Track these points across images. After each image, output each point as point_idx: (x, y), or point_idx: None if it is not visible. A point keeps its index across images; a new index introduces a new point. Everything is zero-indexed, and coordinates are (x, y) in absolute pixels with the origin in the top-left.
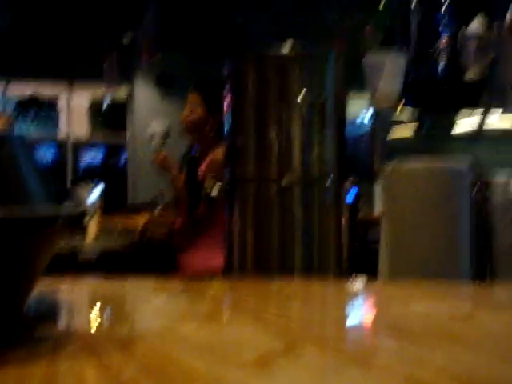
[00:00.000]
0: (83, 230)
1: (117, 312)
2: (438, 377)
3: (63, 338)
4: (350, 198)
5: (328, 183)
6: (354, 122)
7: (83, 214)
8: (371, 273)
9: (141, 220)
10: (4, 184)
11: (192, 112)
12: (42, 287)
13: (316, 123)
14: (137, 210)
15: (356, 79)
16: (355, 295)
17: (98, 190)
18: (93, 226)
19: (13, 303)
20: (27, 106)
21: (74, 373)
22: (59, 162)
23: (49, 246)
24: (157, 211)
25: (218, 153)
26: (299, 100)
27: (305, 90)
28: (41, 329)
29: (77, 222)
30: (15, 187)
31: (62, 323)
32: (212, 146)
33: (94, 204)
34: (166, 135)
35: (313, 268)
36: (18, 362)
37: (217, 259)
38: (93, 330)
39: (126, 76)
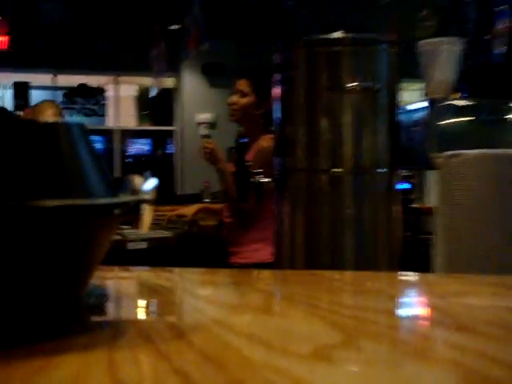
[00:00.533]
0: (139, 219)
1: (168, 302)
2: (503, 370)
3: (120, 326)
4: (402, 188)
5: (380, 173)
6: (407, 111)
7: (140, 203)
8: (424, 265)
9: (190, 211)
10: (64, 173)
11: (241, 98)
12: (95, 277)
13: (368, 112)
14: (185, 201)
15: (410, 67)
16: (410, 287)
17: (153, 180)
18: (148, 216)
19: (72, 291)
20: (75, 96)
21: (135, 360)
22: (107, 152)
23: (106, 235)
24: (205, 203)
25: (266, 141)
26: (351, 88)
27: (357, 77)
28: (98, 317)
29: (134, 211)
30: (75, 176)
31: (116, 312)
32: (260, 134)
33: (149, 193)
34: (213, 125)
35: (364, 259)
36: (80, 348)
37: (266, 251)
38: (147, 319)
39: (173, 65)
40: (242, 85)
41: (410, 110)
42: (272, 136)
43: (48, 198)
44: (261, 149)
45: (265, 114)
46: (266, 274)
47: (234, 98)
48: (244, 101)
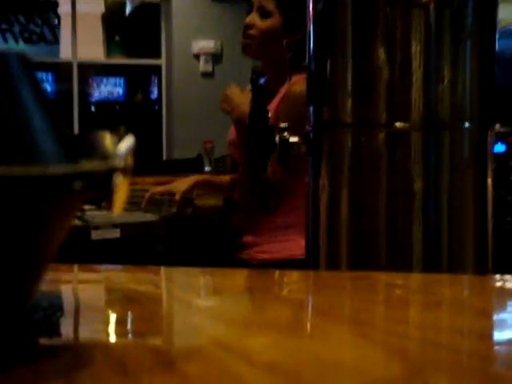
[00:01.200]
0: (110, 195)
1: (150, 317)
2: None
3: (80, 352)
4: (497, 152)
5: (464, 128)
6: (509, 34)
7: (111, 173)
8: None
9: (180, 186)
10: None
11: (261, 19)
12: (49, 278)
13: (448, 37)
14: (176, 169)
15: None
16: (506, 297)
17: (129, 139)
18: (122, 192)
19: (15, 297)
20: (14, 13)
21: None
22: (61, 96)
23: (63, 219)
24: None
25: (298, 84)
26: (422, 1)
27: None
28: (48, 339)
29: (102, 185)
30: (14, 133)
31: (75, 332)
32: (287, 73)
33: (124, 158)
34: (217, 57)
35: (439, 256)
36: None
37: (295, 243)
38: (120, 342)
39: None
40: None
41: None
42: (305, 76)
43: None
44: (290, 94)
45: (294, 44)
46: (294, 276)
47: (253, 18)
48: (266, 23)
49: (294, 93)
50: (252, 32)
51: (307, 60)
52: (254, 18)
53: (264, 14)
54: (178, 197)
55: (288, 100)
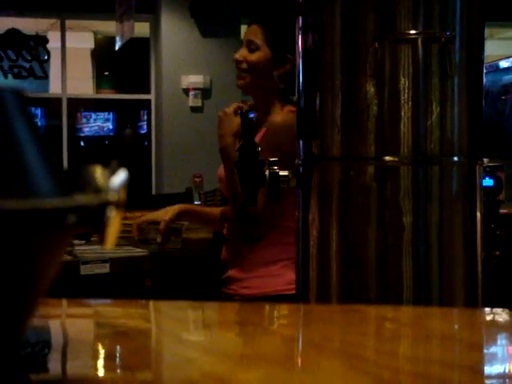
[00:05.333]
0: (103, 229)
1: (141, 352)
2: None
3: None
4: (486, 186)
5: (453, 162)
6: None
7: (105, 207)
8: None
9: (165, 214)
10: None
11: (250, 53)
12: (37, 313)
13: (437, 71)
14: (165, 203)
15: (500, 5)
16: (498, 331)
17: (121, 173)
18: (115, 225)
19: (6, 332)
20: (3, 48)
21: None
22: (50, 131)
23: (55, 253)
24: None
25: (281, 115)
26: (410, 37)
27: (419, 21)
28: (35, 375)
29: (96, 218)
30: (10, 162)
31: (63, 368)
32: (278, 106)
33: (117, 192)
34: (206, 92)
35: (429, 289)
36: None
37: (284, 278)
38: (110, 375)
39: (147, 3)
40: (252, 33)
41: (501, 69)
42: (292, 109)
43: None
44: (272, 126)
45: (286, 75)
46: (284, 309)
47: (241, 54)
48: (255, 56)
49: (278, 124)
50: (243, 66)
51: (296, 95)
52: (242, 52)
53: (253, 48)
54: (162, 226)
55: (268, 130)
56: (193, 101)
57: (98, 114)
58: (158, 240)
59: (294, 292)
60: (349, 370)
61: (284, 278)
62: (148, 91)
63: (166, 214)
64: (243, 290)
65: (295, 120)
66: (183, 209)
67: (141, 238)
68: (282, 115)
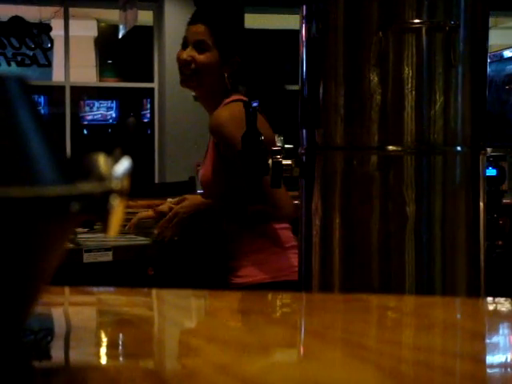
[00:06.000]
0: (106, 217)
1: (144, 340)
2: None
3: (72, 373)
4: (489, 175)
5: (456, 152)
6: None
7: (108, 195)
8: None
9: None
10: None
11: (200, 53)
12: (40, 301)
13: (440, 60)
14: (168, 192)
15: None
16: (500, 320)
17: (125, 162)
18: (119, 213)
19: (10, 319)
20: (6, 36)
21: None
22: (53, 119)
23: (59, 241)
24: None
25: (213, 117)
26: (414, 26)
27: (423, 10)
28: (38, 362)
29: (99, 206)
30: (13, 150)
31: (66, 355)
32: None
33: (120, 181)
34: None
35: (431, 278)
36: None
37: (285, 265)
38: (113, 363)
39: None
40: (201, 34)
41: (505, 59)
42: (237, 97)
43: None
44: (211, 129)
45: (231, 75)
46: (286, 298)
47: (190, 54)
48: (206, 57)
49: (212, 125)
50: (193, 66)
51: (299, 84)
52: (191, 53)
53: (202, 48)
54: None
55: (214, 135)
56: None
57: (101, 102)
58: (154, 232)
59: (284, 279)
60: (351, 359)
61: (286, 265)
62: (151, 79)
63: (166, 206)
64: (239, 280)
65: (238, 107)
66: (200, 206)
67: (136, 231)
68: (216, 113)
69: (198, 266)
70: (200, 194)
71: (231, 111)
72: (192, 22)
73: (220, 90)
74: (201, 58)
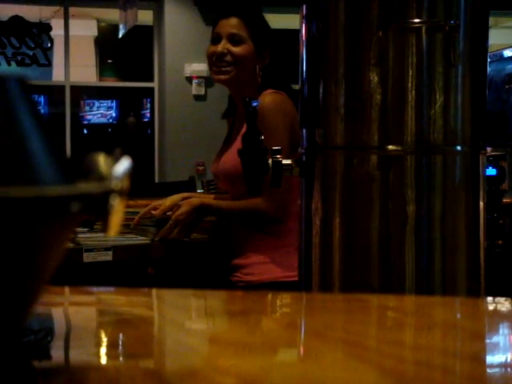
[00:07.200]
0: (106, 217)
1: (144, 340)
2: None
3: (72, 373)
4: (489, 175)
5: (456, 152)
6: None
7: (108, 195)
8: None
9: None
10: None
11: (236, 46)
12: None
13: (440, 60)
14: (168, 191)
15: None
16: (500, 320)
17: (125, 161)
18: (119, 213)
19: (10, 319)
20: (6, 35)
21: None
22: (53, 119)
23: (58, 241)
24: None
25: (262, 97)
26: (414, 26)
27: (423, 10)
28: (40, 359)
29: (99, 206)
30: (13, 150)
31: (66, 355)
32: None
33: (120, 180)
34: (210, 80)
35: (432, 278)
36: None
37: (286, 265)
38: (113, 363)
39: None
40: (235, 27)
41: (505, 58)
42: (275, 91)
43: None
44: (260, 110)
45: (263, 68)
46: (287, 298)
47: (225, 47)
48: (242, 49)
49: (260, 107)
50: (228, 58)
51: (299, 83)
52: (226, 45)
53: (236, 41)
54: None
55: (262, 115)
56: (196, 89)
57: (101, 101)
58: (153, 231)
59: (296, 279)
60: (351, 359)
61: (287, 265)
62: (151, 79)
63: (166, 202)
64: (244, 277)
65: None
66: (185, 196)
67: (139, 228)
68: (265, 97)
69: (198, 265)
70: (207, 191)
71: (281, 100)
72: (224, 15)
73: (252, 84)
74: (237, 50)
